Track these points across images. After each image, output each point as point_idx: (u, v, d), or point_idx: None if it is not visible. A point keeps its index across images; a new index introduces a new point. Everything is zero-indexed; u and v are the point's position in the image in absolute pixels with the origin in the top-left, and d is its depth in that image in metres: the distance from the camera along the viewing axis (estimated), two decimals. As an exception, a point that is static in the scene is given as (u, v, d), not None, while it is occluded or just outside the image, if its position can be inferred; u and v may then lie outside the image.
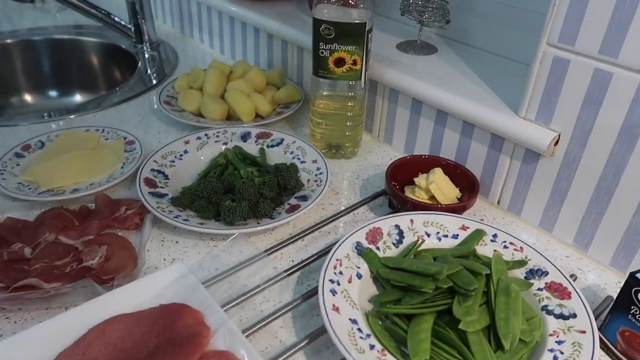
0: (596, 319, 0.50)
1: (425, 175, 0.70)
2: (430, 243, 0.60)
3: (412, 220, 0.61)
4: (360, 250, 0.57)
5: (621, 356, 0.51)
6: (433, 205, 0.66)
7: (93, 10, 1.10)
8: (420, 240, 0.59)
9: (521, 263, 0.56)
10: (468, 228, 0.61)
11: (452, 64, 0.81)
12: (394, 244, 0.59)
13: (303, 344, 0.50)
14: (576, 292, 0.52)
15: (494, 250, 0.58)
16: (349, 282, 0.53)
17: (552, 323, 0.50)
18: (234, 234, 0.61)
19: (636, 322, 0.49)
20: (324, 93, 0.77)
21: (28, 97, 1.25)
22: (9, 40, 1.22)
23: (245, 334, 0.50)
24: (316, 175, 0.72)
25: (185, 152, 0.77)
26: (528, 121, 0.65)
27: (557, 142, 0.62)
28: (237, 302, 0.54)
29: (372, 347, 0.46)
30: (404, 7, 0.83)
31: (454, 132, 0.74)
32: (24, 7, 1.45)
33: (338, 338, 0.46)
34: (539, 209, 0.68)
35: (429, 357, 0.46)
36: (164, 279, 0.53)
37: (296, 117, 0.93)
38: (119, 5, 1.23)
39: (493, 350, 0.47)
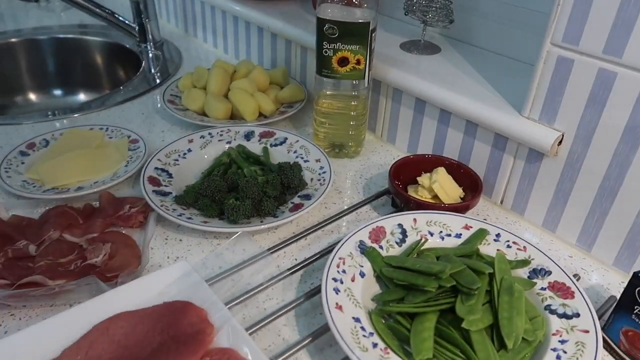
0: (599, 318, 0.50)
1: (428, 174, 0.70)
2: (433, 242, 0.60)
3: (415, 220, 0.61)
4: (364, 249, 0.57)
5: (624, 356, 0.51)
6: (436, 205, 0.66)
7: (97, 10, 1.11)
8: (423, 239, 0.59)
9: (524, 262, 0.56)
10: (471, 227, 0.61)
11: (456, 64, 0.81)
12: (397, 242, 0.59)
13: (306, 342, 0.50)
14: (579, 291, 0.52)
15: (497, 250, 0.58)
16: (352, 280, 0.53)
17: (555, 322, 0.50)
18: (238, 233, 0.61)
19: (639, 322, 0.49)
20: (328, 92, 0.77)
21: (32, 96, 1.26)
22: (13, 39, 1.22)
23: (249, 332, 0.50)
24: (319, 174, 0.73)
25: (189, 150, 0.77)
26: (532, 121, 0.65)
27: (560, 142, 0.62)
28: (240, 300, 0.54)
29: (375, 345, 0.46)
30: (408, 7, 0.83)
31: (458, 131, 0.74)
32: (28, 6, 1.45)
33: (341, 336, 0.46)
34: (543, 209, 0.68)
35: (432, 355, 0.46)
36: (168, 276, 0.53)
37: (299, 117, 0.93)
38: (123, 5, 1.23)
39: (496, 349, 0.47)
